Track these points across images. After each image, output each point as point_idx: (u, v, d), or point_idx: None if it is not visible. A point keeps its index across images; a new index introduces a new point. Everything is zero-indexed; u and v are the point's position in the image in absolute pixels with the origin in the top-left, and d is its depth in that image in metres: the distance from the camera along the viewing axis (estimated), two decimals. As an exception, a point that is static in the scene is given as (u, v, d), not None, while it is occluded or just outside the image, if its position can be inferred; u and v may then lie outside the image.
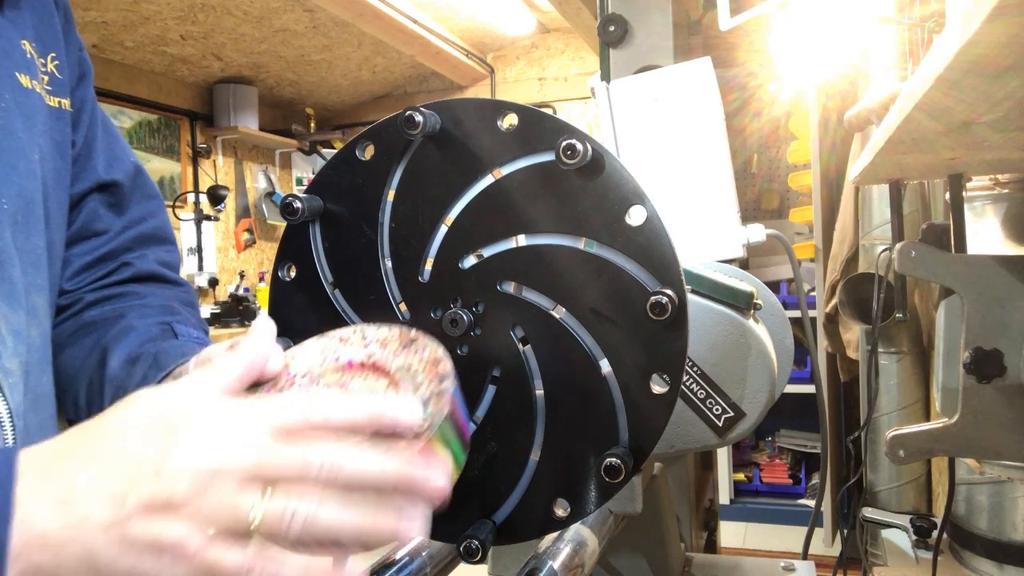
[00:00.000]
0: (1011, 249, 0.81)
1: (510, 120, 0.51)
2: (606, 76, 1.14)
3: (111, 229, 0.73)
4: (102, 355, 0.66)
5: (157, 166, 3.73)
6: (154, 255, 0.76)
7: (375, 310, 0.55)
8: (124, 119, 3.55)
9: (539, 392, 0.52)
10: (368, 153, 0.55)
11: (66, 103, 0.67)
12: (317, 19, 3.51)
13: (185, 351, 0.65)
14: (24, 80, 0.62)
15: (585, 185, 0.50)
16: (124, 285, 0.73)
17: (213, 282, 3.87)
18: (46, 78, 0.65)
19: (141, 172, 0.76)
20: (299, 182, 4.67)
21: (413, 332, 0.46)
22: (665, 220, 0.49)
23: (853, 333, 2.21)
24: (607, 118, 0.94)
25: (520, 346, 0.52)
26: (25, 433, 0.58)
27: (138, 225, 0.74)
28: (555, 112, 4.07)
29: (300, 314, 0.57)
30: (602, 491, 0.51)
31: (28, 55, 0.63)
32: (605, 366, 0.50)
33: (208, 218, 3.83)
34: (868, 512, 1.86)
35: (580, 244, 0.50)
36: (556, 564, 0.58)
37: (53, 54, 0.67)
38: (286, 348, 0.55)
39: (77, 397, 0.68)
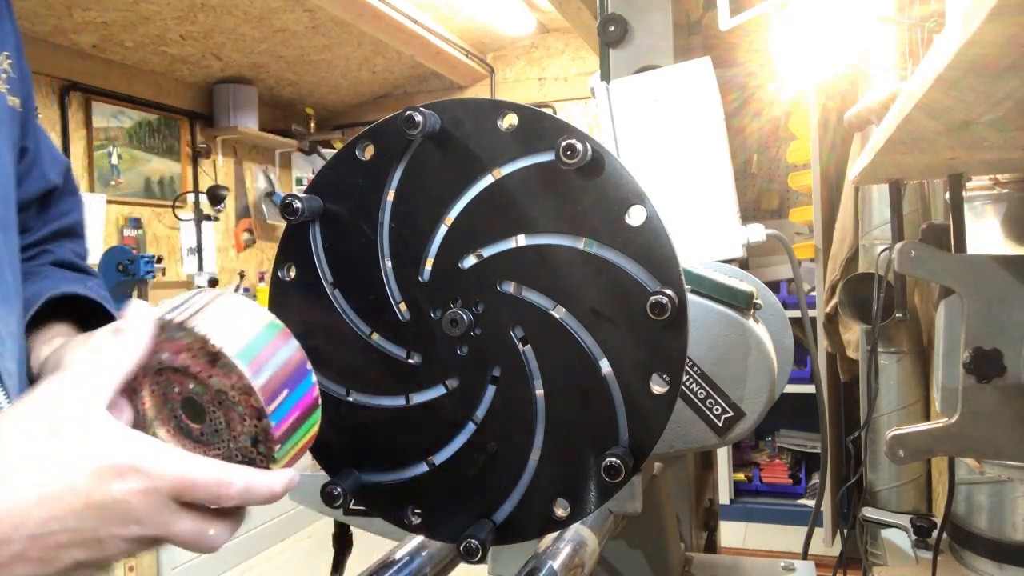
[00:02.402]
0: (1011, 249, 0.81)
1: (510, 120, 0.51)
2: (606, 76, 1.14)
3: (36, 226, 0.75)
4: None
5: (157, 166, 3.73)
6: (70, 246, 0.78)
7: (375, 310, 0.55)
8: (124, 119, 3.55)
9: (539, 392, 0.52)
10: (368, 153, 0.55)
11: (17, 103, 0.67)
12: (317, 19, 3.51)
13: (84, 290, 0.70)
14: None
15: (585, 185, 0.50)
16: (44, 267, 0.75)
17: (213, 282, 3.87)
18: (4, 76, 0.65)
19: (70, 169, 0.78)
20: (299, 182, 4.67)
21: (212, 343, 0.44)
22: (665, 220, 0.49)
23: (853, 333, 2.21)
24: (607, 118, 0.94)
25: (520, 346, 0.52)
26: None
27: (59, 220, 0.77)
28: (555, 112, 4.07)
29: (300, 314, 0.57)
30: (602, 491, 0.51)
31: None
32: (605, 366, 0.50)
33: (208, 218, 3.83)
34: (868, 512, 1.86)
35: (580, 244, 0.50)
36: (556, 564, 0.58)
37: (7, 53, 0.66)
38: None
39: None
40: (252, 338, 0.45)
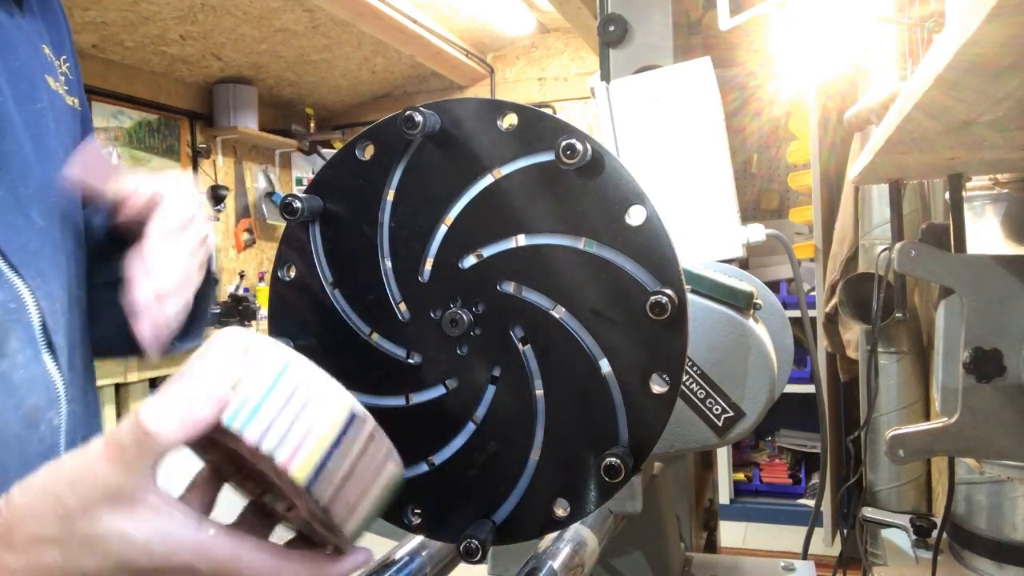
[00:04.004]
0: (1011, 249, 0.82)
1: (510, 120, 0.51)
2: (606, 76, 1.14)
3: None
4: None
5: (157, 166, 3.73)
6: None
7: (375, 310, 0.55)
8: (124, 119, 3.55)
9: (539, 392, 0.52)
10: (368, 153, 0.55)
11: (76, 103, 0.72)
12: (317, 19, 3.51)
13: None
14: (51, 81, 0.66)
15: (585, 185, 0.50)
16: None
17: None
18: (63, 78, 0.69)
19: None
20: (299, 182, 4.67)
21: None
22: (665, 220, 0.49)
23: (853, 333, 2.21)
24: (607, 118, 0.94)
25: (520, 346, 0.52)
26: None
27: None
28: (555, 112, 4.07)
29: (300, 314, 0.57)
30: (602, 491, 0.51)
31: (48, 58, 0.68)
32: (605, 366, 0.50)
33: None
34: (868, 512, 1.87)
35: (580, 244, 0.50)
36: (556, 564, 0.58)
37: (64, 56, 0.71)
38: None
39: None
40: (379, 499, 0.42)
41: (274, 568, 0.40)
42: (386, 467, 0.43)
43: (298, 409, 0.39)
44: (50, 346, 0.60)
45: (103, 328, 0.70)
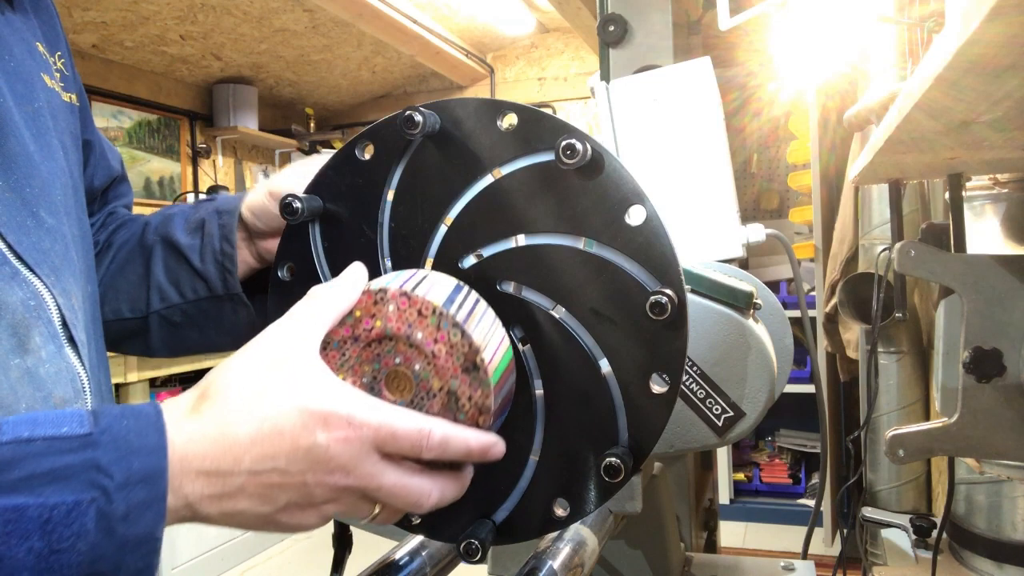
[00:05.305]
0: (1011, 249, 0.82)
1: (510, 120, 0.51)
2: (606, 76, 1.14)
3: (98, 210, 0.82)
4: (163, 243, 0.75)
5: (157, 166, 3.73)
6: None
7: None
8: (124, 119, 3.55)
9: (539, 392, 0.52)
10: (368, 153, 0.55)
11: (74, 98, 0.72)
12: (317, 19, 3.51)
13: (232, 200, 0.74)
14: (47, 79, 0.67)
15: (585, 185, 0.50)
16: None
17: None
18: (58, 75, 0.70)
19: (120, 157, 0.86)
20: (299, 182, 4.66)
21: (482, 357, 0.47)
22: (665, 220, 0.49)
23: (853, 333, 2.21)
24: (607, 118, 0.94)
25: (520, 346, 0.52)
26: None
27: (116, 201, 0.84)
28: (555, 112, 4.07)
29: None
30: (602, 491, 0.51)
31: (43, 55, 0.68)
32: (605, 366, 0.50)
33: (208, 218, 3.82)
34: (868, 512, 1.86)
35: (580, 244, 0.50)
36: (556, 564, 0.58)
37: (59, 52, 0.71)
38: None
39: (147, 300, 0.75)
40: (501, 360, 0.49)
41: (424, 423, 0.45)
42: (497, 327, 0.50)
43: (419, 276, 0.49)
44: (71, 340, 0.62)
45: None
